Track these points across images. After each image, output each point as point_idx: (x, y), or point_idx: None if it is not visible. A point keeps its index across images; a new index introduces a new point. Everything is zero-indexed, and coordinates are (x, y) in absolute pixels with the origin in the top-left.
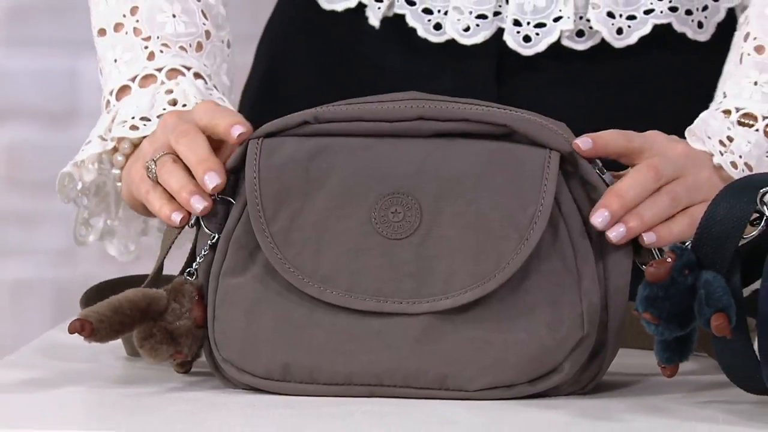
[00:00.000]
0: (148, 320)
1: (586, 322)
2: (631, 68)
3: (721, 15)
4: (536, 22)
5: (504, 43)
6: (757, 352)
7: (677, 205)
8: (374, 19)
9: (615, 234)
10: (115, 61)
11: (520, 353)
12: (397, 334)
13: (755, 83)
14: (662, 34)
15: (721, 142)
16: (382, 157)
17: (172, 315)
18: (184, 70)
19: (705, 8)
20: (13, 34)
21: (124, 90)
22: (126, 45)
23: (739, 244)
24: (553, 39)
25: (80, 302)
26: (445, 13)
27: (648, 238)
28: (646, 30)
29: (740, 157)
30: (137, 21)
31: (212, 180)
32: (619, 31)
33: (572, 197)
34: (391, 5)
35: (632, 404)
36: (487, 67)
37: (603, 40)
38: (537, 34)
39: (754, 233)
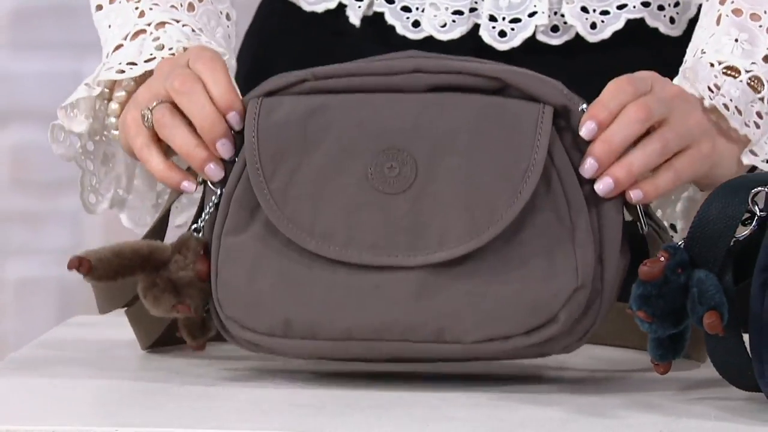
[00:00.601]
0: (151, 270)
1: (581, 273)
2: (605, 63)
3: (693, 11)
4: (511, 17)
5: (480, 39)
6: (748, 350)
7: (667, 152)
8: (355, 17)
9: (603, 187)
10: (110, 26)
11: (516, 305)
12: (394, 289)
13: (735, 40)
14: (636, 29)
15: (710, 88)
16: (378, 113)
17: (175, 266)
18: (173, 22)
19: (677, 4)
20: (18, 37)
21: (117, 49)
22: (118, 11)
23: (731, 243)
24: (528, 34)
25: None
26: (423, 11)
27: (635, 196)
28: (620, 25)
29: (731, 100)
30: None
31: (226, 150)
32: (593, 25)
33: (565, 150)
34: (370, 4)
35: (627, 401)
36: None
37: (577, 35)
38: (512, 29)
39: (745, 233)
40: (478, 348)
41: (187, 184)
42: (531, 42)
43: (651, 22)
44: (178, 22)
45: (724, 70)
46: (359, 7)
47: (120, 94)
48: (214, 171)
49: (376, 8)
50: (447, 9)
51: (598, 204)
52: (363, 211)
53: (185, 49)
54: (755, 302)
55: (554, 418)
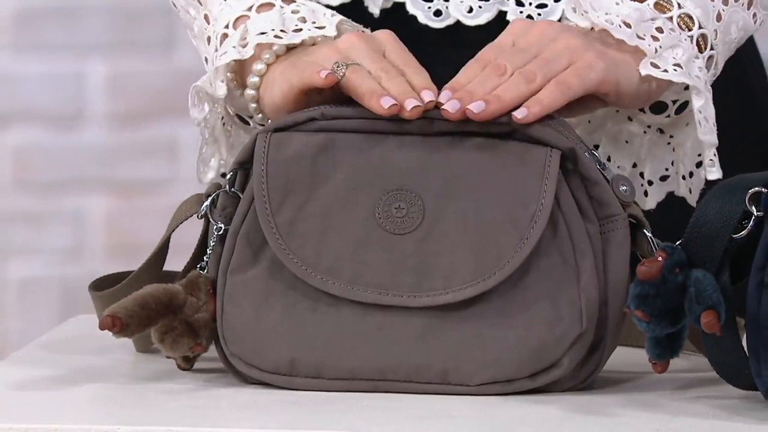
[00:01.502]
0: (169, 314)
1: (585, 317)
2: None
3: None
4: (538, 2)
5: (507, 24)
6: (746, 349)
7: (531, 77)
8: (374, 7)
9: (474, 107)
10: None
11: (520, 349)
12: (399, 330)
13: None
14: None
15: (606, 14)
16: (388, 153)
17: (191, 308)
18: None
19: None
20: (21, 39)
21: (240, 20)
22: None
23: (729, 243)
24: (554, 18)
25: (89, 288)
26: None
27: (519, 113)
28: None
29: (617, 16)
30: None
31: (411, 103)
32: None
33: (572, 194)
34: None
35: (624, 400)
36: None
37: None
38: (539, 14)
39: (743, 233)
40: (482, 389)
41: (386, 100)
42: None
43: None
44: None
45: None
46: None
47: (268, 55)
48: (387, 101)
49: None
50: None
51: (603, 247)
52: (369, 249)
53: (337, 29)
54: (752, 302)
55: (552, 417)
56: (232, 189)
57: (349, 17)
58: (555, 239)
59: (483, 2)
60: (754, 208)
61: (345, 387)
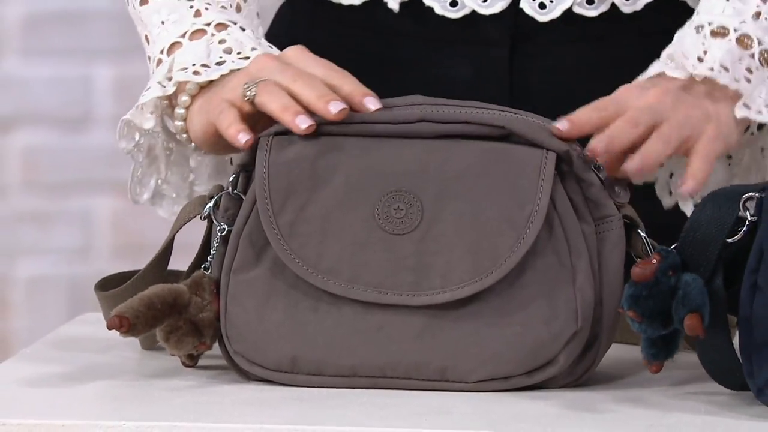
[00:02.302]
0: (174, 314)
1: (580, 316)
2: (638, 33)
3: None
4: None
5: (521, 11)
6: (738, 351)
7: (669, 142)
8: (393, 3)
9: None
10: (162, 23)
11: (517, 346)
12: (398, 328)
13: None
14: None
15: (699, 59)
16: (386, 156)
17: (195, 308)
18: (231, 24)
19: None
20: (29, 44)
21: (174, 46)
22: (171, 7)
23: (722, 248)
24: (566, 5)
25: (95, 288)
26: None
27: (628, 166)
28: None
29: (716, 61)
30: None
31: (337, 106)
32: None
33: (567, 195)
34: None
35: (619, 396)
36: (501, 52)
37: (612, 6)
38: (551, 1)
39: (736, 237)
40: (480, 386)
41: (243, 136)
42: (569, 14)
43: None
44: (234, 23)
45: (713, 31)
46: None
47: (191, 87)
48: (303, 120)
49: None
50: None
51: (598, 247)
52: (369, 249)
53: (252, 52)
54: (745, 304)
55: (549, 413)
56: (235, 191)
57: (369, 14)
58: (551, 239)
59: None
60: (748, 213)
61: (345, 384)
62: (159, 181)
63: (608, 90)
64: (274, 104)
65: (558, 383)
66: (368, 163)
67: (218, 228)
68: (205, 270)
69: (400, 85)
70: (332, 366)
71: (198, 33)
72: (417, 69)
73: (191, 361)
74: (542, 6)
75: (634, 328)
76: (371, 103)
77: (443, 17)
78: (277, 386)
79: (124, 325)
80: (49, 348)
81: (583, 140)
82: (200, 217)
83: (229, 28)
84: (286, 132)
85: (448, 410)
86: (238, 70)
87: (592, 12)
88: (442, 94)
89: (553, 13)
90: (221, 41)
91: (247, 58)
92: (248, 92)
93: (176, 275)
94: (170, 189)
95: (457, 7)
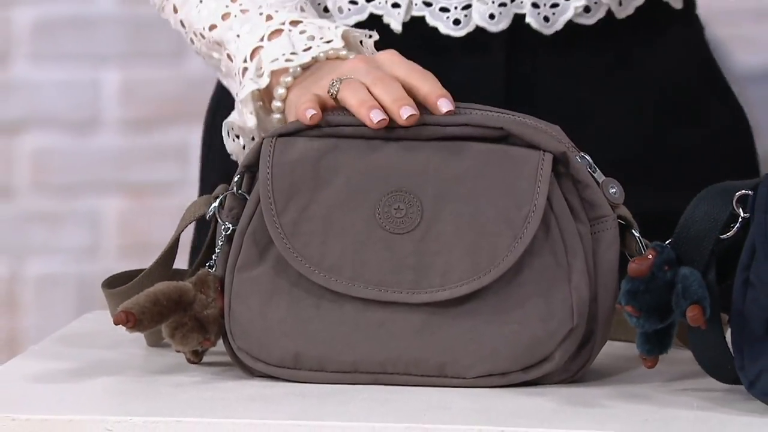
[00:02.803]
0: (180, 311)
1: (576, 314)
2: (630, 38)
3: None
4: (551, 3)
5: (527, 26)
6: (730, 345)
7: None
8: (396, 24)
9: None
10: (238, 36)
11: (514, 343)
12: (398, 325)
13: None
14: (655, 5)
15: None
16: (388, 157)
17: (200, 305)
18: (303, 19)
19: None
20: (39, 48)
21: (256, 51)
22: (242, 21)
23: (715, 243)
24: (568, 16)
25: (102, 286)
26: (463, 8)
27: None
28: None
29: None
30: (240, 4)
31: (407, 111)
32: (620, 2)
33: (563, 196)
34: (409, 9)
35: (614, 392)
36: (500, 58)
37: (607, 13)
38: (553, 13)
39: (729, 233)
40: (478, 382)
41: (310, 111)
42: (570, 24)
43: None
44: (306, 18)
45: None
46: (398, 13)
47: (287, 79)
48: (377, 114)
49: (415, 12)
50: (494, 2)
51: (593, 247)
52: (370, 248)
53: (344, 39)
54: (737, 299)
55: (545, 408)
56: (239, 191)
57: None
58: (548, 239)
59: (502, 8)
60: (740, 210)
61: (347, 380)
62: None
63: (604, 91)
64: (354, 99)
65: (554, 379)
66: (369, 163)
67: (223, 227)
68: (209, 268)
69: None
70: (334, 362)
71: (276, 33)
72: None
73: (196, 358)
74: (546, 19)
75: (632, 323)
76: (444, 105)
77: (448, 36)
78: (280, 382)
79: (131, 320)
80: (57, 345)
81: (578, 143)
82: (206, 217)
83: (303, 21)
84: (290, 133)
85: (448, 405)
86: (330, 53)
87: (590, 20)
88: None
89: (557, 25)
90: (301, 32)
91: (330, 41)
92: (333, 89)
93: (182, 273)
94: None
95: (461, 25)
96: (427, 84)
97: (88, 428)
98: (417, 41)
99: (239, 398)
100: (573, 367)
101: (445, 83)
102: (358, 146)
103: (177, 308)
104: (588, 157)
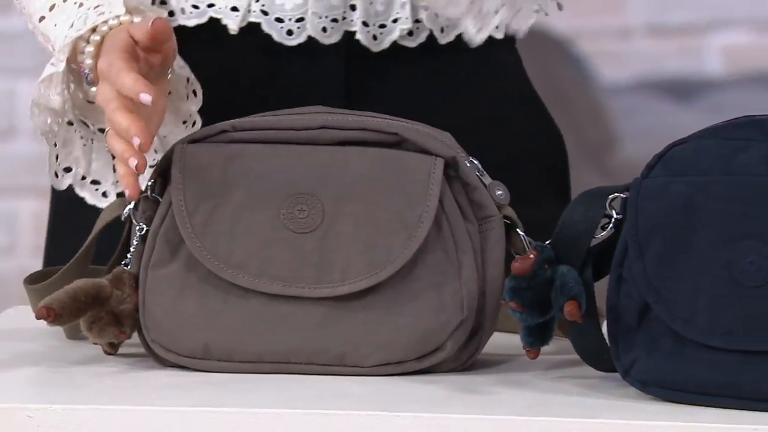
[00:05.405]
0: (97, 306)
1: (466, 306)
2: (451, 62)
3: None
4: (379, 23)
5: (356, 42)
6: (606, 336)
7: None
8: (233, 24)
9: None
10: (55, 25)
11: (409, 334)
12: (301, 318)
13: None
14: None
15: None
16: (291, 162)
17: (116, 300)
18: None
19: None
20: None
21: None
22: (61, 12)
23: (591, 244)
24: (394, 37)
25: (24, 282)
26: (297, 20)
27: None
28: (459, 30)
29: None
30: None
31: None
32: (442, 29)
33: (454, 198)
34: (246, 15)
35: (501, 379)
36: (337, 63)
37: (429, 38)
38: (381, 33)
39: (604, 234)
40: (375, 371)
41: (145, 96)
42: (395, 45)
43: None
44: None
45: None
46: (236, 16)
47: (90, 49)
48: (132, 161)
49: (252, 19)
50: (327, 17)
51: (481, 244)
52: (274, 247)
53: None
54: (612, 294)
55: (437, 395)
56: (153, 194)
57: (209, 35)
58: (439, 237)
59: (334, 23)
60: (613, 211)
61: (253, 369)
62: (80, 171)
63: (428, 107)
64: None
65: (446, 368)
66: (274, 167)
67: (137, 228)
68: (125, 266)
69: (246, 87)
70: (241, 353)
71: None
72: (259, 78)
73: (112, 349)
74: (375, 38)
75: (515, 318)
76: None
77: (281, 44)
78: (191, 372)
79: (51, 315)
80: None
81: (467, 149)
82: (121, 218)
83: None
84: (199, 140)
85: (347, 393)
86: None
87: (413, 43)
88: (281, 95)
89: (383, 44)
90: (88, 8)
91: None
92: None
93: (98, 271)
94: (96, 177)
95: (294, 36)
96: (125, 80)
97: (11, 415)
98: (254, 44)
99: (153, 387)
100: (463, 356)
101: (284, 83)
102: (263, 151)
103: (94, 303)
104: (476, 162)
